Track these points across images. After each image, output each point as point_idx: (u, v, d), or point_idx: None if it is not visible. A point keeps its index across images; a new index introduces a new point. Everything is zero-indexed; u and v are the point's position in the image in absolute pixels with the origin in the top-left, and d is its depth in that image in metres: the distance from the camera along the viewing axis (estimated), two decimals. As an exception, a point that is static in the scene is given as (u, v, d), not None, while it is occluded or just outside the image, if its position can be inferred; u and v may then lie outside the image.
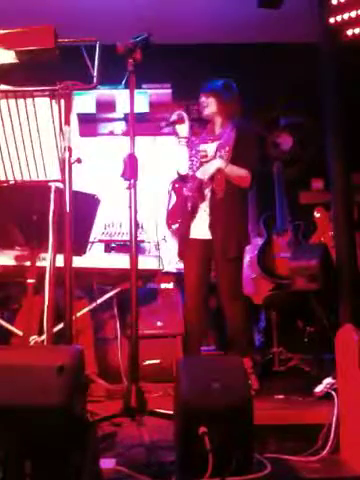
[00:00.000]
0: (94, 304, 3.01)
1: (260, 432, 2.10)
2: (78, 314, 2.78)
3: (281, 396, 2.83)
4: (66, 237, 2.10)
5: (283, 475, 2.10)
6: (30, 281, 2.49)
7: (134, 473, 1.93)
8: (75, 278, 2.14)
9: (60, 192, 2.24)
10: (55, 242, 2.28)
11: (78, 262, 2.38)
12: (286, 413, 2.52)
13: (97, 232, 3.35)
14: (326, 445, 2.30)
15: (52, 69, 2.40)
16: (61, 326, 2.20)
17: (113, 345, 3.22)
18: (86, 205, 2.64)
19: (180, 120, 2.98)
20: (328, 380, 2.59)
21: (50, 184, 2.32)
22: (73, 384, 1.63)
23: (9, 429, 1.58)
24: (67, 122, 2.16)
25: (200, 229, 3.00)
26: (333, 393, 2.42)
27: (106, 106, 4.57)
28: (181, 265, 3.98)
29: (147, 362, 3.29)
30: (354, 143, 3.23)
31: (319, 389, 2.61)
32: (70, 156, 2.14)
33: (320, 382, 2.65)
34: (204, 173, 2.93)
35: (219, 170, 2.90)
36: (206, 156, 2.99)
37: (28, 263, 2.56)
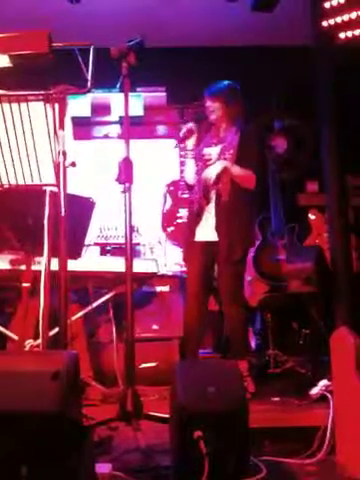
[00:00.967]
0: (89, 308, 3.01)
1: (256, 435, 2.10)
2: (73, 318, 2.77)
3: (277, 398, 2.83)
4: (61, 241, 2.10)
5: (279, 478, 2.10)
6: (25, 285, 2.49)
7: (130, 478, 1.93)
8: (70, 282, 2.13)
9: (55, 196, 2.24)
10: (50, 246, 2.28)
11: (73, 266, 2.38)
12: (281, 415, 2.52)
13: (92, 235, 3.35)
14: (322, 447, 2.31)
15: (46, 73, 2.41)
16: (56, 330, 2.20)
17: (109, 348, 3.21)
18: (81, 208, 2.64)
19: (190, 134, 3.01)
20: (323, 382, 2.59)
21: (45, 188, 2.31)
22: (68, 389, 1.63)
23: (5, 434, 1.57)
24: (62, 126, 2.16)
25: (205, 232, 2.98)
26: (328, 395, 2.42)
27: (101, 109, 4.58)
28: (177, 268, 4.00)
29: (143, 365, 3.29)
30: (348, 145, 3.25)
31: (314, 391, 2.61)
32: (64, 160, 2.14)
33: (315, 384, 2.65)
34: (210, 174, 2.92)
35: (225, 171, 2.89)
36: (210, 159, 2.99)
37: (23, 267, 2.56)
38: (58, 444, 1.58)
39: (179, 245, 4.08)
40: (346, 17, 2.99)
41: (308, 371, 3.28)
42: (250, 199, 3.03)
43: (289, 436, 2.36)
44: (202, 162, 3.01)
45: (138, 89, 4.48)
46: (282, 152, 4.32)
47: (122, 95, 2.29)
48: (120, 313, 3.17)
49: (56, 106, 2.17)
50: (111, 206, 3.21)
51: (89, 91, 2.20)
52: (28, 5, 3.86)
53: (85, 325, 3.13)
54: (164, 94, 4.60)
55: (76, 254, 2.65)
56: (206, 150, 3.03)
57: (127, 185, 2.23)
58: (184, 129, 3.04)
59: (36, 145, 2.21)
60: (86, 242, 2.91)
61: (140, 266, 2.95)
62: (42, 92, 2.17)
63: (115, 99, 4.48)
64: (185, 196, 4.14)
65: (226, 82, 3.08)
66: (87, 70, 2.15)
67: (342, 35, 3.05)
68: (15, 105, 2.18)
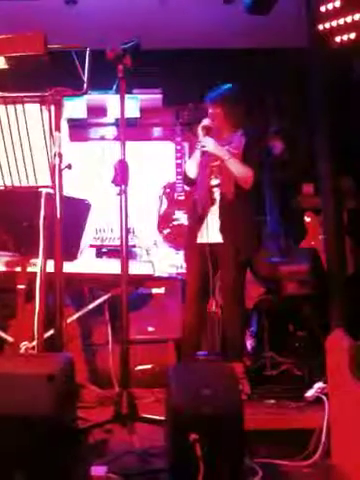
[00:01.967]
0: (85, 310, 3.00)
1: (251, 437, 2.09)
2: (68, 320, 2.77)
3: (272, 401, 2.83)
4: (56, 243, 2.10)
5: (274, 480, 2.10)
6: (21, 287, 2.48)
7: (125, 480, 1.93)
8: (66, 284, 2.13)
9: (51, 197, 2.23)
10: (46, 248, 2.27)
11: (69, 267, 2.37)
12: (277, 418, 2.52)
13: (88, 237, 3.34)
14: (317, 450, 2.31)
15: (42, 75, 2.41)
16: (52, 332, 2.20)
17: (105, 351, 3.21)
18: (77, 210, 2.63)
19: (207, 131, 2.97)
20: (319, 385, 2.59)
21: (40, 190, 2.31)
22: (63, 392, 1.62)
23: (-1, 437, 1.57)
24: (57, 128, 2.15)
25: (209, 233, 2.97)
26: (324, 398, 2.43)
27: (97, 111, 4.58)
28: (173, 270, 4.00)
29: (139, 367, 3.28)
30: (343, 147, 3.26)
31: (310, 394, 2.62)
32: (60, 162, 2.14)
33: (311, 386, 2.65)
34: (208, 144, 2.89)
35: (227, 171, 2.88)
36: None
37: (19, 269, 2.55)
38: (53, 447, 1.58)
39: (175, 247, 4.08)
40: (342, 21, 3.00)
41: (304, 373, 3.28)
42: (251, 201, 3.03)
43: (285, 438, 2.36)
44: (206, 157, 2.98)
45: (134, 91, 4.49)
46: (278, 154, 4.32)
47: (118, 97, 2.29)
48: (116, 315, 3.17)
49: (52, 108, 2.16)
50: (107, 208, 3.21)
51: (85, 93, 2.20)
52: (24, 6, 3.86)
53: (80, 327, 3.13)
54: (160, 96, 4.61)
55: (72, 256, 2.65)
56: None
57: (123, 187, 2.23)
58: (207, 120, 2.99)
59: (32, 147, 2.21)
60: (82, 244, 2.91)
61: (136, 268, 2.95)
62: (38, 94, 2.17)
63: (111, 101, 4.48)
64: (181, 198, 4.15)
65: (226, 86, 3.06)
66: (83, 72, 2.15)
67: (338, 39, 3.06)
68: (11, 107, 2.18)
